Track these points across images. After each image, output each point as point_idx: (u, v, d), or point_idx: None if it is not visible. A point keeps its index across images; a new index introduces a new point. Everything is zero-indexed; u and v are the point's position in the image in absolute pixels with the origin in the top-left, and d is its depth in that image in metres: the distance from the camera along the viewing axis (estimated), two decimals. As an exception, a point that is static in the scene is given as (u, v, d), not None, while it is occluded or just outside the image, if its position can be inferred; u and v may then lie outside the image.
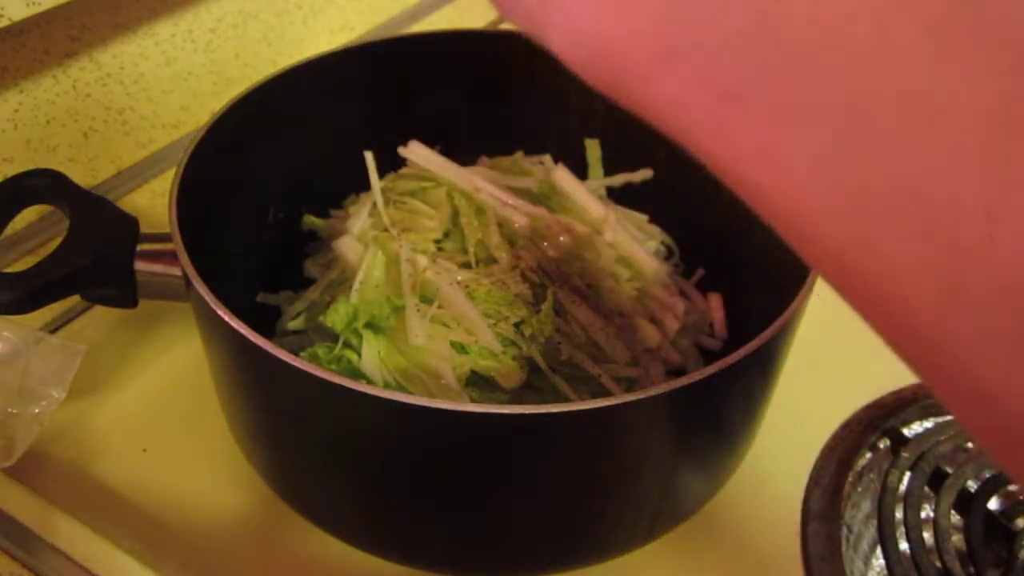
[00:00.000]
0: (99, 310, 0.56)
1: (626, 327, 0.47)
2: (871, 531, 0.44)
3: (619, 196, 0.57)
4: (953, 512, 0.44)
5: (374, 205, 0.52)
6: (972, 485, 0.45)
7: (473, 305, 0.44)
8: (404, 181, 0.53)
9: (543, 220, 0.50)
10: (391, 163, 0.55)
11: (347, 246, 0.49)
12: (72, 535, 0.41)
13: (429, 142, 0.54)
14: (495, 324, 0.44)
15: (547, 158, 0.58)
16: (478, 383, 0.44)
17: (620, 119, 0.26)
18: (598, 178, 0.58)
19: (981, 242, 0.16)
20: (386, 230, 0.49)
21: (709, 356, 0.51)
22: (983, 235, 0.16)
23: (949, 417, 0.49)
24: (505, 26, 0.67)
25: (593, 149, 0.58)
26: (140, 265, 0.43)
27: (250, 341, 0.34)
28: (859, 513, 0.45)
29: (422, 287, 0.45)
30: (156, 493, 0.46)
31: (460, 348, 0.44)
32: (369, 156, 0.54)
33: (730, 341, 0.52)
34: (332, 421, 0.37)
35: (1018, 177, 0.15)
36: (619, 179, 0.57)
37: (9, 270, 0.42)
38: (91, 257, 0.42)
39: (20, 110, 0.59)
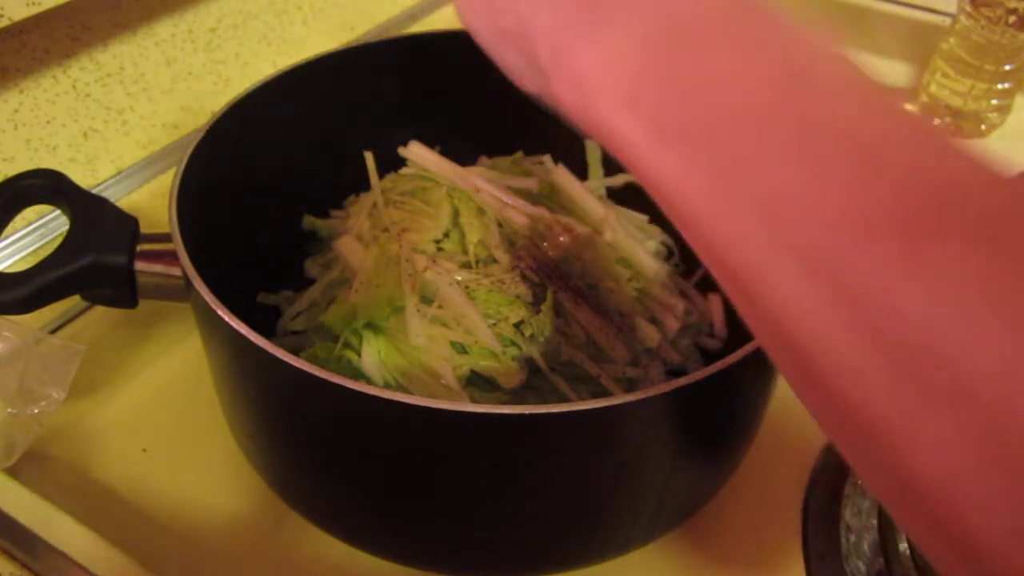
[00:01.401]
0: (99, 310, 0.56)
1: (626, 327, 0.47)
2: (871, 531, 0.44)
3: (619, 196, 0.57)
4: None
5: (374, 205, 0.52)
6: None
7: (473, 305, 0.44)
8: (404, 181, 0.53)
9: (543, 220, 0.50)
10: (391, 163, 0.55)
11: (347, 246, 0.49)
12: (72, 535, 0.41)
13: (429, 142, 0.54)
14: (495, 324, 0.44)
15: (547, 158, 0.58)
16: (478, 383, 0.44)
17: (620, 119, 0.26)
18: (598, 178, 0.58)
19: None
20: (386, 230, 0.49)
21: (709, 356, 0.51)
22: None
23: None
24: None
25: (593, 149, 0.58)
26: (140, 265, 0.43)
27: (250, 341, 0.34)
28: (859, 513, 0.45)
29: (422, 287, 0.45)
30: (156, 493, 0.46)
31: (460, 348, 0.44)
32: (369, 156, 0.53)
33: (730, 341, 0.52)
34: (332, 421, 0.37)
35: None
36: (619, 179, 0.57)
37: (9, 270, 0.42)
38: (91, 257, 0.42)
39: (20, 110, 0.59)
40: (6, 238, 0.59)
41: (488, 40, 0.33)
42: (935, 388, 0.19)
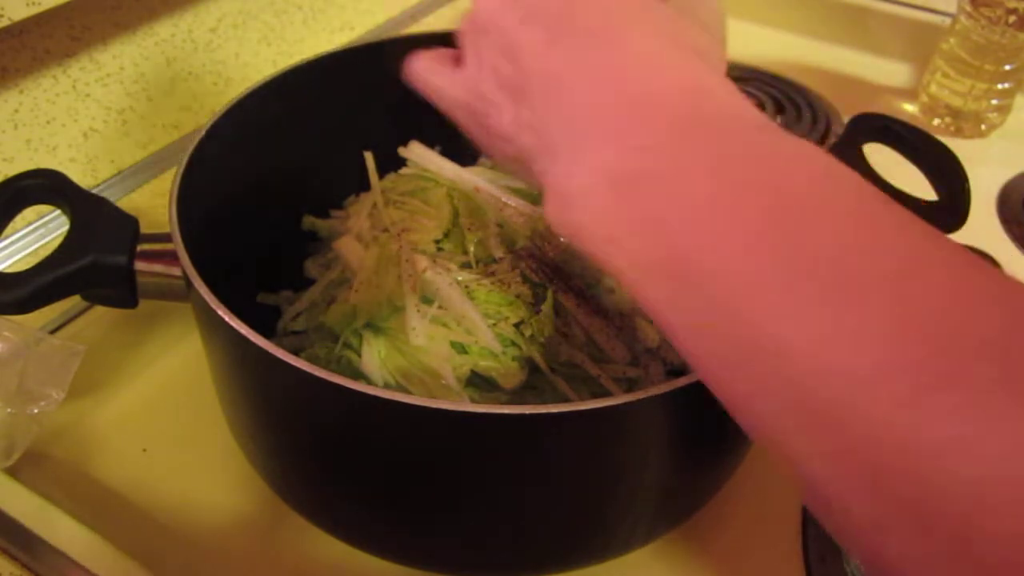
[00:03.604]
0: (99, 310, 0.56)
1: (626, 327, 0.47)
2: (871, 531, 0.44)
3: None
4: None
5: (374, 205, 0.52)
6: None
7: (473, 305, 0.44)
8: (404, 181, 0.53)
9: (543, 220, 0.50)
10: (391, 163, 0.55)
11: (347, 246, 0.49)
12: (72, 535, 0.41)
13: (429, 142, 0.54)
14: (495, 324, 0.44)
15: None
16: (478, 383, 0.44)
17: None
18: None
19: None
20: (386, 230, 0.49)
21: (709, 356, 0.51)
22: None
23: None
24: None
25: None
26: (140, 265, 0.43)
27: (250, 341, 0.34)
28: (859, 513, 0.45)
29: (422, 287, 0.45)
30: (156, 493, 0.46)
31: (460, 348, 0.44)
32: (369, 156, 0.53)
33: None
34: (332, 421, 0.37)
35: None
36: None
37: (9, 270, 0.42)
38: (91, 257, 0.42)
39: (20, 110, 0.59)
40: (6, 238, 0.59)
41: (498, 160, 0.32)
42: (951, 542, 0.18)
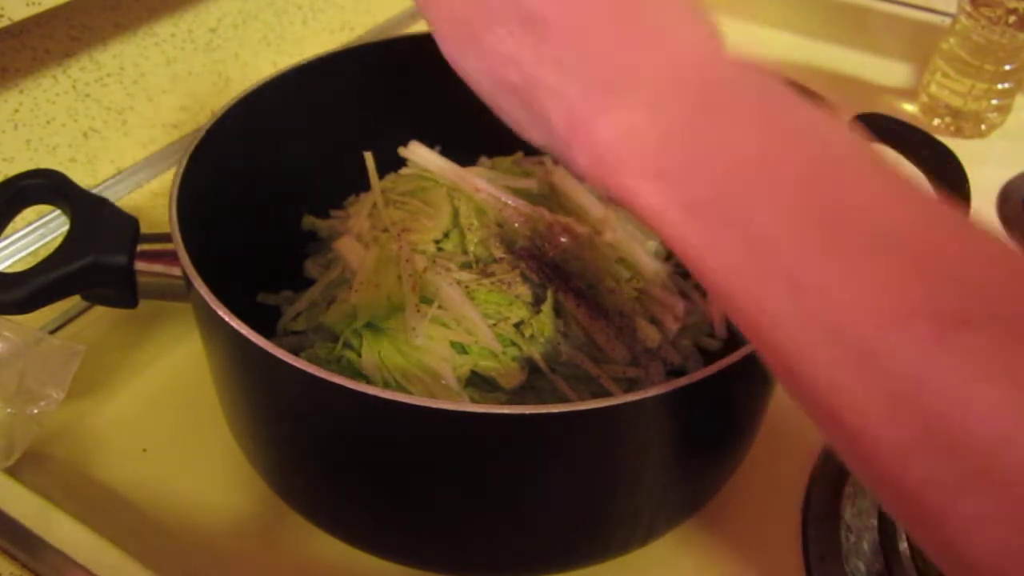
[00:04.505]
0: (99, 310, 0.56)
1: (626, 327, 0.47)
2: (871, 531, 0.44)
3: (619, 196, 0.57)
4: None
5: (374, 205, 0.52)
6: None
7: (473, 305, 0.44)
8: (404, 181, 0.54)
9: (543, 220, 0.50)
10: (391, 163, 0.55)
11: (347, 246, 0.49)
12: (72, 535, 0.41)
13: (429, 142, 0.54)
14: (495, 324, 0.44)
15: (547, 158, 0.58)
16: (478, 383, 0.44)
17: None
18: (598, 178, 0.58)
19: None
20: (386, 230, 0.49)
21: (709, 356, 0.51)
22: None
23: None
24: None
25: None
26: (140, 265, 0.43)
27: (250, 341, 0.34)
28: (859, 513, 0.45)
29: (422, 287, 0.45)
30: (156, 493, 0.46)
31: (460, 348, 0.44)
32: (369, 156, 0.53)
33: (730, 341, 0.52)
34: (332, 421, 0.37)
35: None
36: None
37: (9, 270, 0.42)
38: (91, 257, 0.42)
39: (20, 110, 0.59)
40: (6, 238, 0.59)
41: (484, 88, 0.31)
42: (974, 469, 0.19)
